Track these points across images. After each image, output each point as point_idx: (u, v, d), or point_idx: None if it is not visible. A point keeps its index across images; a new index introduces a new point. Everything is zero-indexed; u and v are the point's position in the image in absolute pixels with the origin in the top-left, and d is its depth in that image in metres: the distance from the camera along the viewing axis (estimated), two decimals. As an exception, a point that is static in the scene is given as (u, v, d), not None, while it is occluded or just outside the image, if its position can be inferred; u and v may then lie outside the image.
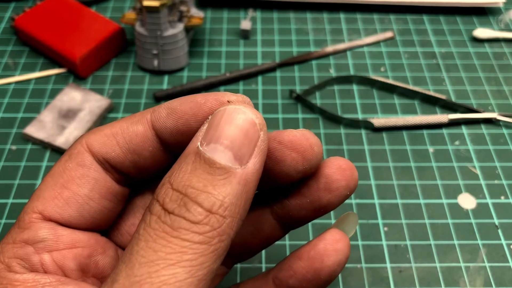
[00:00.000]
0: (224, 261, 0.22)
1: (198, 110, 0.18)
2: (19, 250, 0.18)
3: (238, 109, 0.17)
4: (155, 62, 0.41)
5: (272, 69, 0.42)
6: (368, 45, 0.45)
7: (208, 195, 0.16)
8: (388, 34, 0.46)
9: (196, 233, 0.15)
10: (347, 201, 0.33)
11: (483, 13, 0.48)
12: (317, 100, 0.40)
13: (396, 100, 0.40)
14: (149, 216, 0.16)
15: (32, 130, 0.36)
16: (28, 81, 0.41)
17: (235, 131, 0.17)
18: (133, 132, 0.19)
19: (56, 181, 0.19)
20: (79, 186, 0.19)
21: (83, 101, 0.38)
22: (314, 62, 0.43)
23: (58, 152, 0.36)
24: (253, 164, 0.17)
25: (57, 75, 0.42)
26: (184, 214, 0.15)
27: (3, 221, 0.32)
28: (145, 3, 0.37)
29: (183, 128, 0.19)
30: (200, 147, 0.16)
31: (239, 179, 0.16)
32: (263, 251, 0.31)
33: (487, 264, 0.30)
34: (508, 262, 0.30)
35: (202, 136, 0.17)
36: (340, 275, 0.29)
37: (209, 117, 0.17)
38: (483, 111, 0.39)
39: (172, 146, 0.19)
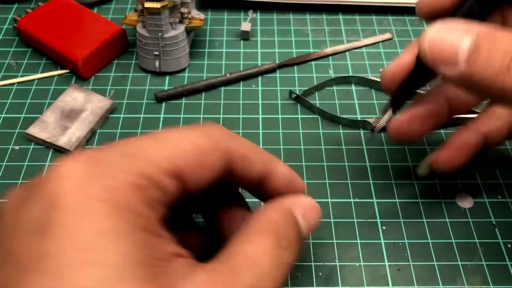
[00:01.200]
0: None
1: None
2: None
3: None
4: (157, 63, 0.41)
5: (272, 70, 0.43)
6: (367, 46, 0.46)
7: None
8: (387, 35, 0.46)
9: None
10: (346, 199, 0.34)
11: None
12: (316, 100, 0.41)
13: (395, 101, 0.40)
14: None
15: (34, 130, 0.37)
16: (30, 82, 0.42)
17: None
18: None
19: None
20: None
21: (86, 101, 0.39)
22: (313, 63, 0.44)
23: (60, 152, 0.36)
24: None
25: (59, 76, 0.42)
26: None
27: (6, 220, 0.33)
28: (147, 5, 0.38)
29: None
30: None
31: None
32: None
33: (484, 263, 0.31)
34: (505, 261, 0.31)
35: None
36: (338, 273, 0.30)
37: None
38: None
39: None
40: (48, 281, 0.15)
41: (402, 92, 0.28)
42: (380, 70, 0.43)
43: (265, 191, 0.25)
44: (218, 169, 0.21)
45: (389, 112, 0.29)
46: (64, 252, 0.16)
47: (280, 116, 0.39)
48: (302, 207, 0.24)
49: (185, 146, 0.20)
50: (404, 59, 0.27)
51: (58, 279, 0.15)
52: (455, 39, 0.21)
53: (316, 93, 0.41)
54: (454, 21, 0.22)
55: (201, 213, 0.27)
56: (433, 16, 0.25)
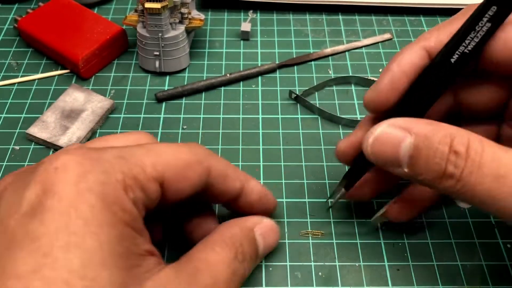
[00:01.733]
0: None
1: None
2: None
3: None
4: (157, 63, 0.41)
5: (272, 70, 0.43)
6: (366, 46, 0.46)
7: None
8: (386, 36, 0.46)
9: None
10: (345, 199, 0.34)
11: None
12: (316, 100, 0.41)
13: (395, 101, 0.41)
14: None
15: (35, 130, 0.37)
16: (31, 82, 0.42)
17: None
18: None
19: None
20: None
21: (86, 101, 0.39)
22: (313, 63, 0.44)
23: (61, 152, 0.36)
24: None
25: (59, 76, 0.42)
26: None
27: (7, 219, 0.33)
28: (147, 5, 0.38)
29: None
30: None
31: None
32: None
33: (484, 263, 0.31)
34: (505, 261, 0.31)
35: None
36: (338, 273, 0.30)
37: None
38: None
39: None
40: (42, 259, 0.17)
41: (354, 170, 0.29)
42: (380, 70, 0.43)
43: (239, 205, 0.28)
44: (198, 183, 0.24)
45: (342, 190, 0.30)
46: (55, 234, 0.17)
47: (280, 116, 0.39)
48: (263, 228, 0.27)
49: (171, 158, 0.22)
50: (357, 136, 0.28)
51: (50, 258, 0.17)
52: (395, 142, 0.22)
53: (316, 93, 0.41)
54: (393, 121, 0.23)
55: (173, 219, 0.30)
56: (380, 110, 0.26)
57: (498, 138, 0.27)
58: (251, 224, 0.27)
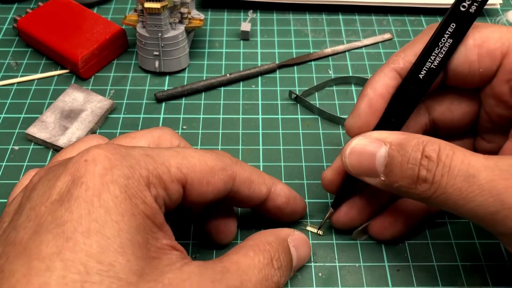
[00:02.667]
0: None
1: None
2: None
3: None
4: (156, 63, 0.41)
5: (272, 70, 0.43)
6: (366, 46, 0.46)
7: None
8: (387, 36, 0.46)
9: None
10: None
11: (481, 15, 0.49)
12: (316, 100, 0.41)
13: (395, 101, 0.41)
14: None
15: (34, 130, 0.37)
16: (30, 82, 0.42)
17: None
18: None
19: None
20: None
21: (85, 101, 0.39)
22: (313, 63, 0.44)
23: (60, 152, 0.36)
24: None
25: (59, 76, 0.42)
26: None
27: (6, 220, 0.33)
28: (147, 5, 0.38)
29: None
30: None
31: None
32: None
33: (484, 263, 0.31)
34: (505, 261, 0.31)
35: None
36: (338, 273, 0.30)
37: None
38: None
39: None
40: (64, 242, 0.18)
41: (341, 193, 0.30)
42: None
43: (266, 209, 0.28)
44: (222, 189, 0.24)
45: (331, 209, 0.31)
46: (78, 220, 0.19)
47: (280, 116, 0.39)
48: (296, 240, 0.27)
49: (196, 162, 0.23)
50: (339, 163, 0.29)
51: (71, 242, 0.18)
52: (371, 152, 0.25)
53: (316, 93, 0.41)
54: (368, 134, 0.25)
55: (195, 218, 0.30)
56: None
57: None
58: (284, 234, 0.27)
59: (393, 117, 0.27)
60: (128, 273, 0.18)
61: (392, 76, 0.26)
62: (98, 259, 0.18)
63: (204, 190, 0.24)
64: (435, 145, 0.23)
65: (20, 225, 0.20)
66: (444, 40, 0.25)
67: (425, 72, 0.25)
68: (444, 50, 0.25)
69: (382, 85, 0.26)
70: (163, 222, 0.22)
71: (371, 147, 0.25)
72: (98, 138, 0.27)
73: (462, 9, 0.24)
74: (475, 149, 0.30)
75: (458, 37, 0.25)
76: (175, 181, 0.22)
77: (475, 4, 0.24)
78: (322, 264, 0.30)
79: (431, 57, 0.25)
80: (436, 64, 0.25)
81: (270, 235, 0.26)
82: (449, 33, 0.25)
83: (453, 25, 0.25)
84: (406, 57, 0.26)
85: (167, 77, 0.42)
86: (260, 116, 0.39)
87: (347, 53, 0.45)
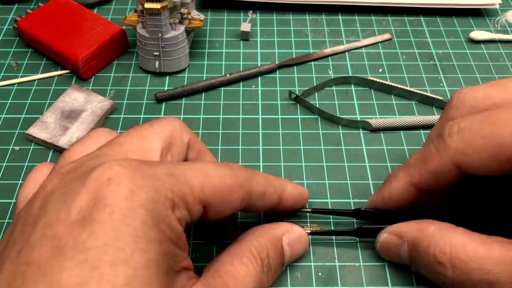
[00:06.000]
0: None
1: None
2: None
3: None
4: (157, 64, 0.41)
5: (272, 70, 0.43)
6: (366, 46, 0.46)
7: None
8: (386, 36, 0.46)
9: None
10: (345, 199, 0.34)
11: (480, 15, 0.49)
12: (316, 100, 0.41)
13: (394, 101, 0.41)
14: None
15: (35, 130, 0.37)
16: (31, 82, 0.42)
17: None
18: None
19: None
20: None
21: (86, 102, 0.39)
22: (313, 64, 0.44)
23: (60, 152, 0.36)
24: None
25: (59, 76, 0.43)
26: None
27: (6, 220, 0.33)
28: (147, 5, 0.38)
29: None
30: None
31: None
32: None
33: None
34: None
35: None
36: (338, 273, 0.30)
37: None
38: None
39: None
40: (88, 272, 0.17)
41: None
42: (380, 70, 0.43)
43: (276, 210, 0.29)
44: (239, 206, 0.25)
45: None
46: (104, 248, 0.17)
47: (279, 116, 0.39)
48: (291, 237, 0.28)
49: (217, 182, 0.23)
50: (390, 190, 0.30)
51: (96, 272, 0.17)
52: (395, 249, 0.28)
53: (316, 93, 0.41)
54: (390, 230, 0.28)
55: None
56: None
57: None
58: (280, 232, 0.27)
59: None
60: None
61: (409, 189, 0.28)
62: None
63: (222, 209, 0.23)
64: (445, 248, 0.25)
65: (36, 243, 0.18)
66: None
67: None
68: None
69: (398, 193, 0.28)
70: (185, 243, 0.22)
71: (394, 244, 0.28)
72: (107, 132, 0.26)
73: None
74: None
75: None
76: (197, 202, 0.22)
77: None
78: (322, 263, 0.30)
79: None
80: None
81: (263, 236, 0.26)
82: None
83: None
84: (422, 175, 0.27)
85: (167, 77, 0.43)
86: (260, 116, 0.39)
87: (346, 53, 0.45)
